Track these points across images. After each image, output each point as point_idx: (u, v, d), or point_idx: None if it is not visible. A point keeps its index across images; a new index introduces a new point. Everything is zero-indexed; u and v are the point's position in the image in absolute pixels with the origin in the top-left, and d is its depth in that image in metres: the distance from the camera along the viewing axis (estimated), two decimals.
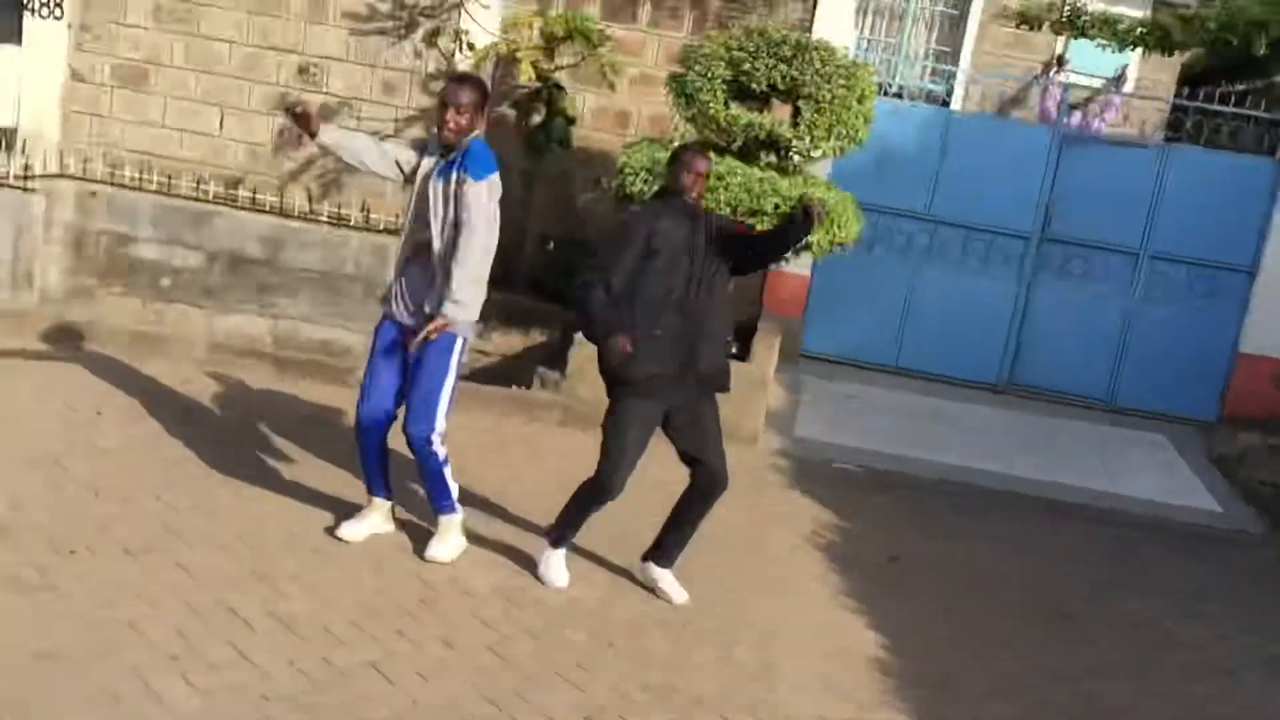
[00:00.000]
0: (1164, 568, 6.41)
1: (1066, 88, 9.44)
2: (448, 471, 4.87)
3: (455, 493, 4.94)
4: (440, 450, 4.81)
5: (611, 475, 4.69)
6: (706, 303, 4.70)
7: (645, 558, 5.01)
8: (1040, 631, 5.27)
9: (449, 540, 4.97)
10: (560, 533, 4.91)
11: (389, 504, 5.09)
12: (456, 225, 4.63)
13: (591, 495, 4.79)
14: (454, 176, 4.64)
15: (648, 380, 4.64)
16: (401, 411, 4.86)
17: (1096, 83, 10.12)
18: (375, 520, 5.05)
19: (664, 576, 4.96)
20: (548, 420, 7.26)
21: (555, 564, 4.92)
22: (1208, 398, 9.22)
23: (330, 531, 5.00)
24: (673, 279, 4.63)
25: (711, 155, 4.93)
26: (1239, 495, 7.77)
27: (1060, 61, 10.83)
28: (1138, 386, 9.28)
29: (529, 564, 5.05)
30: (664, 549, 4.96)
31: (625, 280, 4.62)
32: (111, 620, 4.05)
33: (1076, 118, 9.69)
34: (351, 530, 4.98)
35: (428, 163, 4.76)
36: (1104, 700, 4.68)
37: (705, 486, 4.86)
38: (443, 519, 4.97)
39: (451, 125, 4.64)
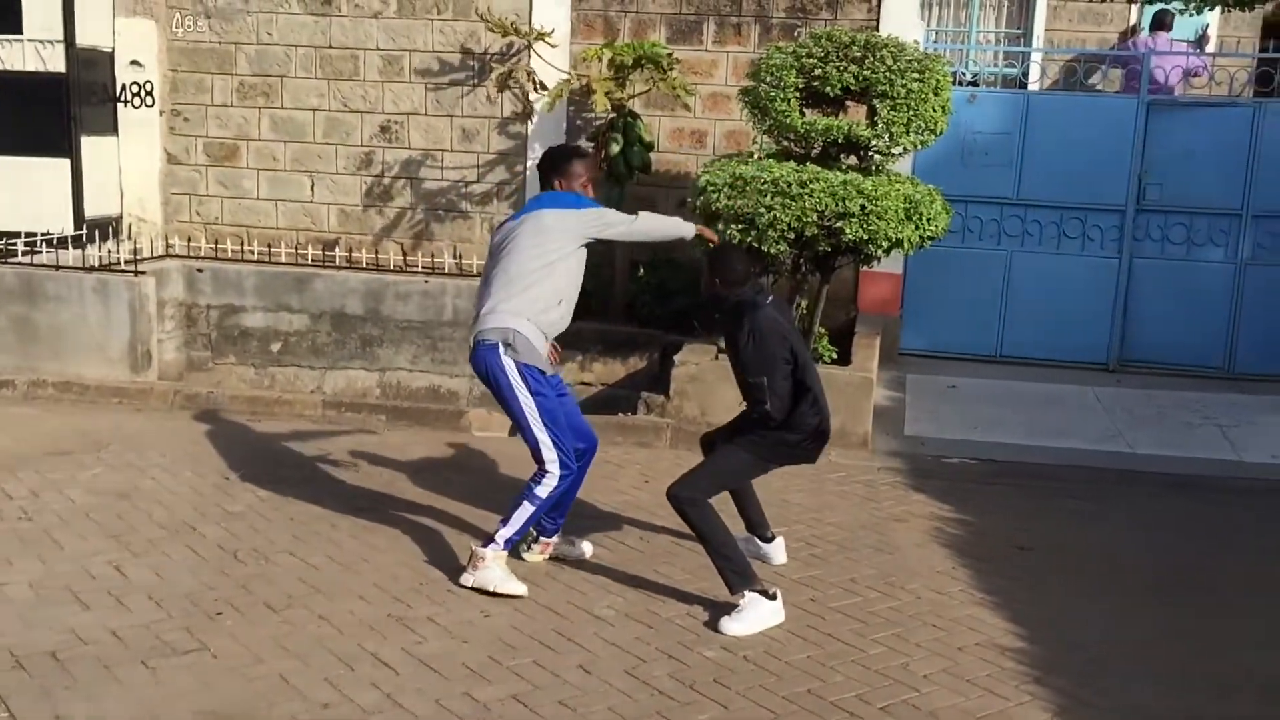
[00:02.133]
0: None
1: (1148, 54, 9.24)
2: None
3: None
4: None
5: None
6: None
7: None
8: (1183, 609, 5.14)
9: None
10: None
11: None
12: None
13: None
14: None
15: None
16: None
17: (1179, 48, 9.90)
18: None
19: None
20: (657, 444, 7.32)
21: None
22: None
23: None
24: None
25: (727, 259, 4.99)
26: None
27: (1134, 30, 10.63)
28: (1255, 351, 8.99)
29: (655, 588, 5.10)
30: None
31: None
32: (264, 675, 4.19)
33: (1166, 77, 9.47)
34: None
35: None
36: (1261, 672, 4.54)
37: None
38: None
39: None
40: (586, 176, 5.13)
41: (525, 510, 4.96)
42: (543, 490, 4.94)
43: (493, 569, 4.95)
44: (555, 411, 4.99)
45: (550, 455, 4.94)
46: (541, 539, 5.29)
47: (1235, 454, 7.39)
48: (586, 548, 5.41)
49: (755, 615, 4.72)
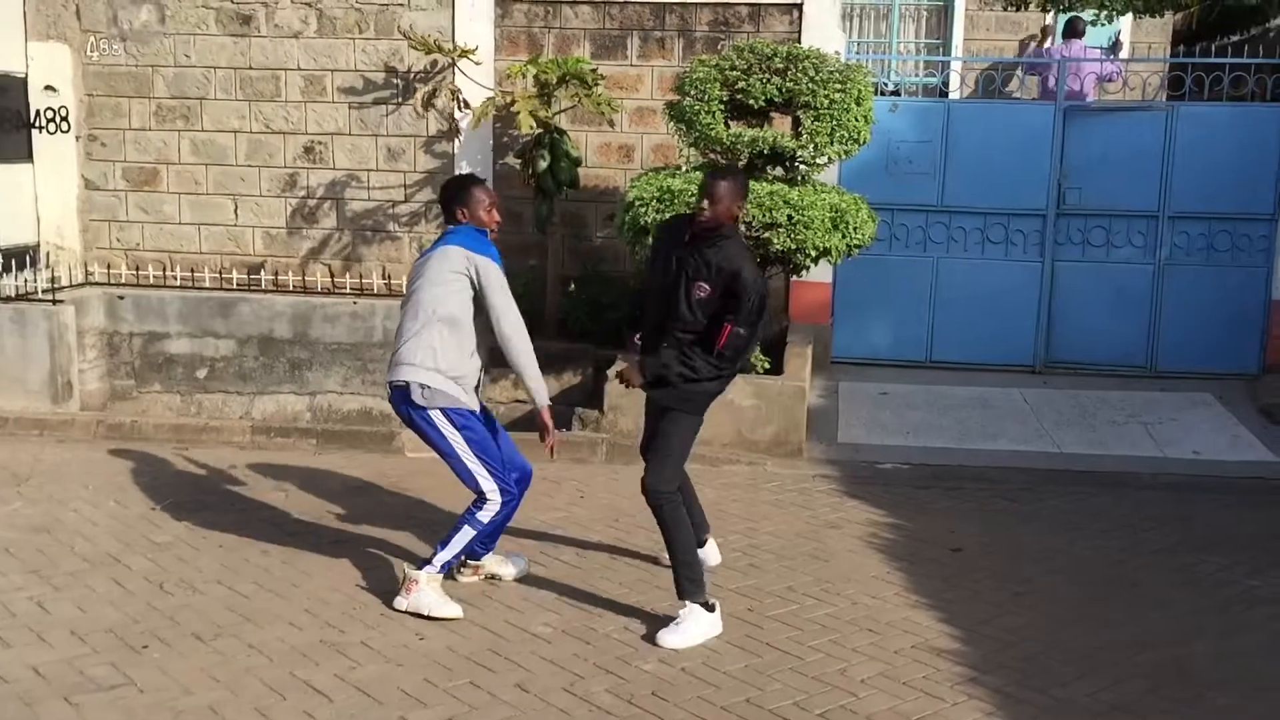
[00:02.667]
0: (1229, 525, 6.34)
1: (1063, 62, 9.44)
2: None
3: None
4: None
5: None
6: (678, 327, 4.87)
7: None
8: (1114, 605, 5.22)
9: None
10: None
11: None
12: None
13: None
14: None
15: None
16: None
17: (1093, 53, 10.12)
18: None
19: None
20: (593, 460, 7.29)
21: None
22: (1248, 350, 9.12)
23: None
24: (657, 303, 4.94)
25: (739, 177, 4.94)
26: None
27: (1046, 33, 10.84)
28: (1176, 348, 9.19)
29: (592, 602, 5.08)
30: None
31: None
32: (192, 708, 4.09)
33: (1081, 83, 9.68)
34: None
35: None
36: (1189, 664, 4.62)
37: None
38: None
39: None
40: (489, 201, 5.00)
41: (465, 535, 4.91)
42: (484, 515, 4.90)
43: (426, 592, 4.89)
44: (485, 441, 4.94)
45: (489, 485, 4.90)
46: (470, 562, 5.23)
47: (1159, 450, 7.54)
48: (521, 563, 5.37)
49: (694, 628, 4.71)
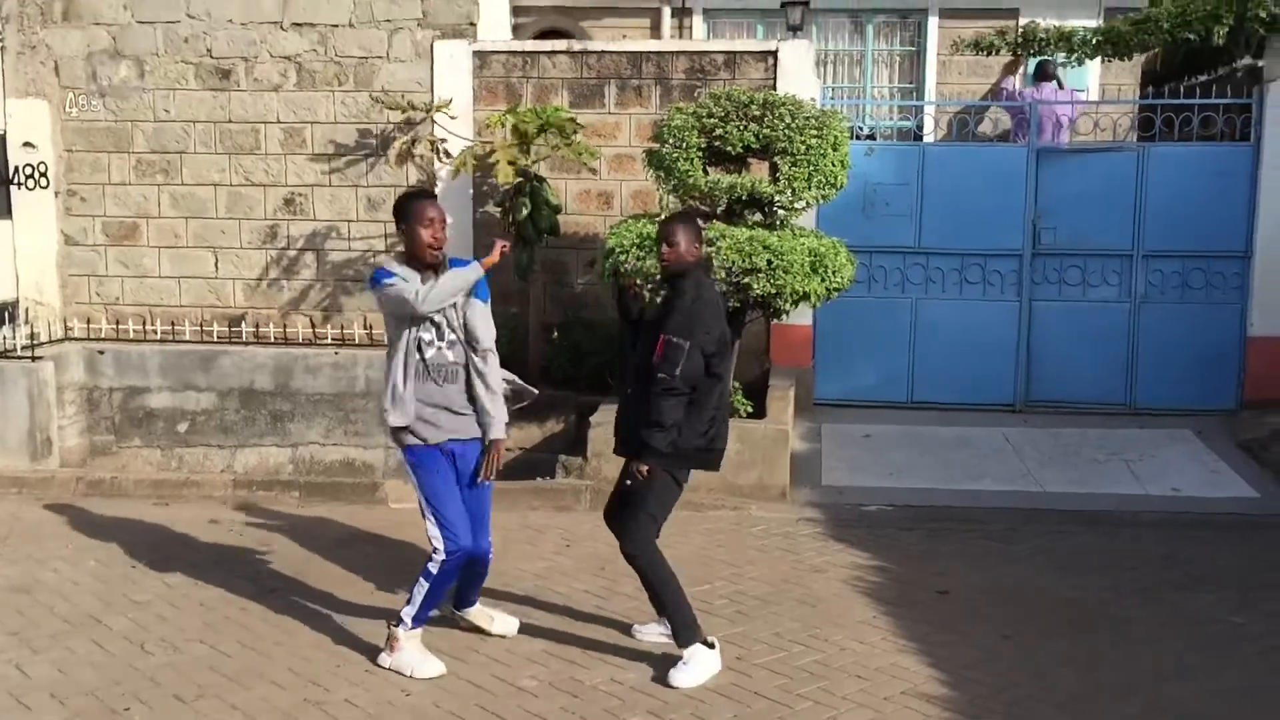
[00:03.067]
0: (1211, 562, 6.36)
1: (1034, 104, 9.57)
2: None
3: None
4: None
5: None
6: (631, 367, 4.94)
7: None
8: (1102, 644, 5.21)
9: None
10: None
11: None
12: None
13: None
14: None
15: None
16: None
17: (1064, 95, 10.26)
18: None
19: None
20: (576, 507, 7.27)
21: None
22: (1226, 386, 9.19)
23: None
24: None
25: (692, 220, 5.02)
26: (1272, 477, 7.72)
27: (1015, 65, 10.97)
28: (1155, 386, 9.26)
29: (579, 654, 5.04)
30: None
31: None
32: None
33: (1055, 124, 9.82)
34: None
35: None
36: (1178, 704, 4.62)
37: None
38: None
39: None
40: (428, 215, 4.73)
41: (421, 588, 4.84)
42: (434, 567, 4.80)
43: (407, 651, 4.84)
44: (434, 481, 4.81)
45: (433, 532, 4.81)
46: (456, 611, 5.19)
47: (1141, 487, 7.58)
48: (511, 625, 5.24)
49: (700, 666, 4.76)
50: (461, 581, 5.05)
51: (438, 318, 4.76)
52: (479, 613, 5.23)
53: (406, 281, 4.71)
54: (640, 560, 4.80)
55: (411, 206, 4.79)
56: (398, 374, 4.77)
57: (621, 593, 5.76)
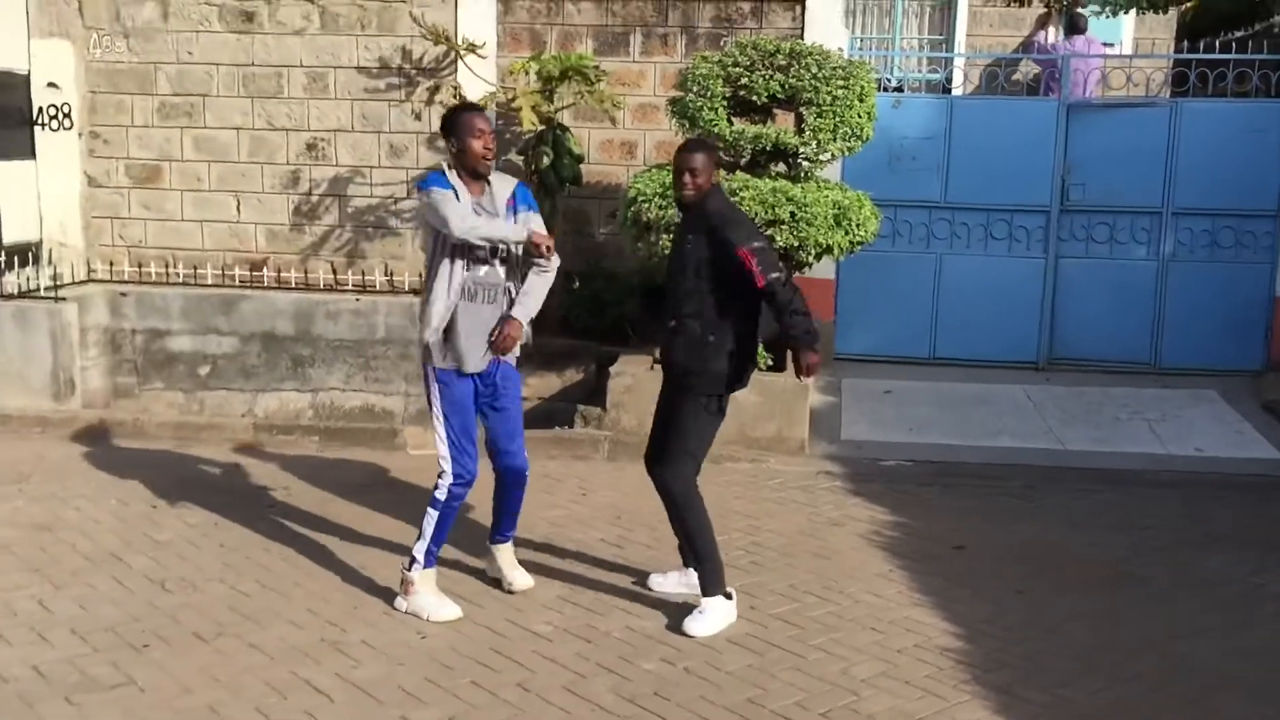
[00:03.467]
0: (1233, 522, 6.32)
1: (1066, 57, 9.41)
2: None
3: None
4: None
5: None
6: (686, 303, 4.78)
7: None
8: (1116, 602, 5.20)
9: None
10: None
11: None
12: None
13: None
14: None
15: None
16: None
17: (1096, 49, 10.08)
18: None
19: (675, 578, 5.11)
20: (595, 457, 7.29)
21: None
22: (1253, 346, 9.09)
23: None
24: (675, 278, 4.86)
25: (711, 148, 4.94)
26: None
27: (1046, 19, 10.78)
28: (1180, 345, 9.16)
29: (594, 601, 5.07)
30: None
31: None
32: (193, 707, 4.09)
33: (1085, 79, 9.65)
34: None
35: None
36: (1192, 662, 4.61)
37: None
38: (510, 545, 5.10)
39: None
40: (478, 126, 4.71)
41: (430, 519, 4.85)
42: (440, 494, 4.82)
43: (422, 594, 4.87)
44: (453, 405, 4.78)
45: (442, 453, 4.82)
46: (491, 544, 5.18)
47: (1163, 447, 7.52)
48: (528, 583, 5.15)
49: (716, 616, 4.78)
50: (498, 503, 5.03)
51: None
52: (507, 560, 5.14)
53: (458, 200, 4.68)
54: (679, 495, 4.79)
55: (461, 118, 4.78)
56: (436, 289, 4.73)
57: (637, 542, 5.78)
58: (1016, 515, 6.39)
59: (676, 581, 5.11)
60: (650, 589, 5.15)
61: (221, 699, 4.14)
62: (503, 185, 4.89)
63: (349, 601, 5.01)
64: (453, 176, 4.75)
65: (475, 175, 4.78)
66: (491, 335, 4.78)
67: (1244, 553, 5.83)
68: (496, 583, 5.18)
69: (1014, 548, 5.86)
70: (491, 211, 4.77)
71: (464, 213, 4.65)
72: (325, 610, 4.91)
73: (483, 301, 4.77)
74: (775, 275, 4.60)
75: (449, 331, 4.75)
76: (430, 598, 4.87)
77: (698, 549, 4.84)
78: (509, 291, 4.84)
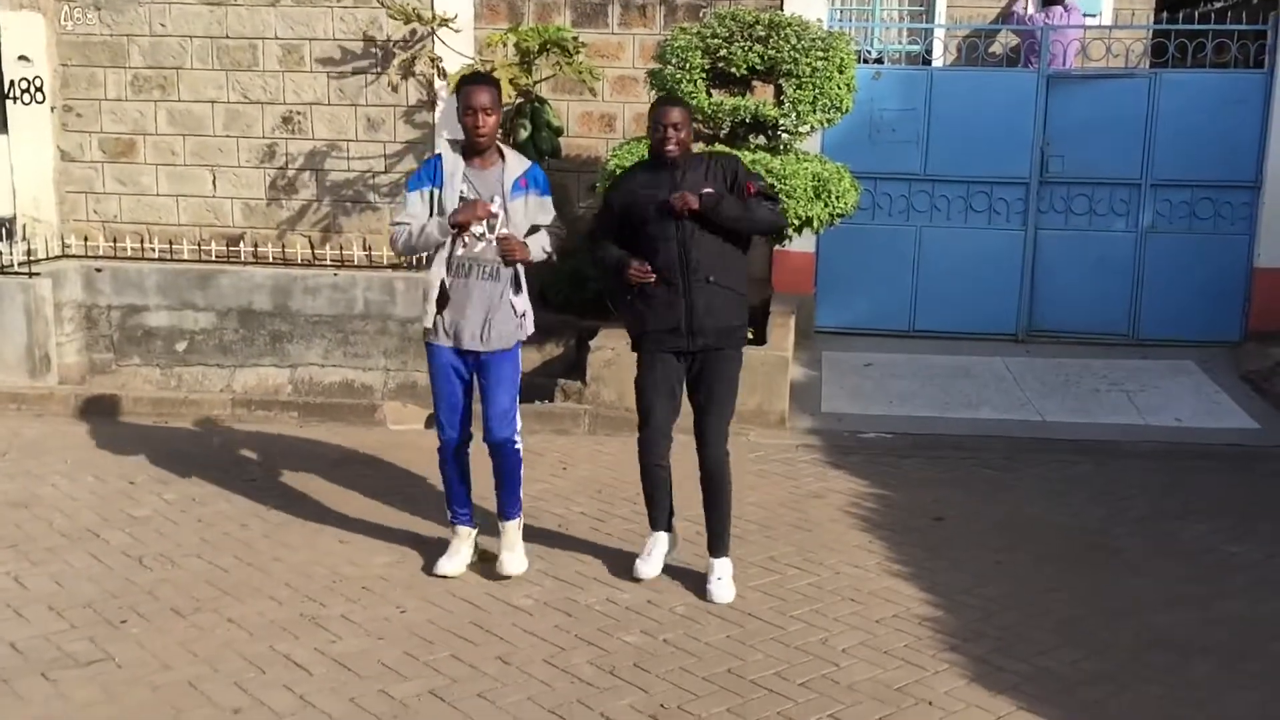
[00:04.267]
0: (1209, 492, 6.36)
1: (1046, 29, 9.39)
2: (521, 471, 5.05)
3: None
4: (521, 449, 5.04)
5: (640, 436, 4.90)
6: (698, 257, 4.72)
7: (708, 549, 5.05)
8: (1095, 572, 5.23)
9: (519, 548, 5.06)
10: (649, 513, 5.06)
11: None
12: None
13: (642, 468, 4.94)
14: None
15: (653, 336, 4.82)
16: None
17: (1074, 19, 10.06)
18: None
19: (715, 566, 4.94)
20: (575, 431, 7.27)
21: (650, 553, 5.03)
22: (1230, 317, 9.13)
23: (428, 571, 5.04)
24: (656, 236, 4.74)
25: (686, 104, 4.99)
26: (1274, 409, 7.70)
27: None
28: (1159, 316, 9.20)
29: (574, 574, 5.07)
30: (709, 537, 5.00)
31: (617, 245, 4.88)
32: (171, 683, 4.07)
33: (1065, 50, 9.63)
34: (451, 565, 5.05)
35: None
36: (1170, 631, 4.64)
37: (700, 452, 4.89)
38: (511, 524, 5.07)
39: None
40: (469, 103, 4.69)
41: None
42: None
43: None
44: (435, 374, 4.92)
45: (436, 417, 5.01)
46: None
47: (1141, 418, 7.56)
48: (520, 566, 5.05)
49: (731, 578, 4.89)
50: (495, 481, 5.04)
51: (494, 207, 4.76)
52: (504, 540, 5.05)
53: (413, 207, 4.82)
54: (728, 469, 4.88)
55: (459, 92, 4.79)
56: (433, 266, 4.82)
57: (617, 515, 5.78)
58: (995, 487, 6.41)
59: (661, 556, 5.08)
60: (642, 577, 4.98)
61: (200, 674, 4.12)
62: (516, 165, 4.90)
63: (328, 576, 5.00)
64: (451, 150, 4.82)
65: (474, 149, 4.81)
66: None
67: (1221, 522, 5.87)
68: (489, 559, 5.11)
69: (993, 519, 5.88)
70: (482, 189, 4.77)
71: (400, 231, 4.79)
72: (304, 585, 4.90)
73: (478, 277, 4.79)
74: (769, 208, 4.87)
75: (442, 306, 4.80)
76: (445, 555, 5.03)
77: (727, 509, 4.93)
78: (514, 269, 4.85)
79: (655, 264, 4.75)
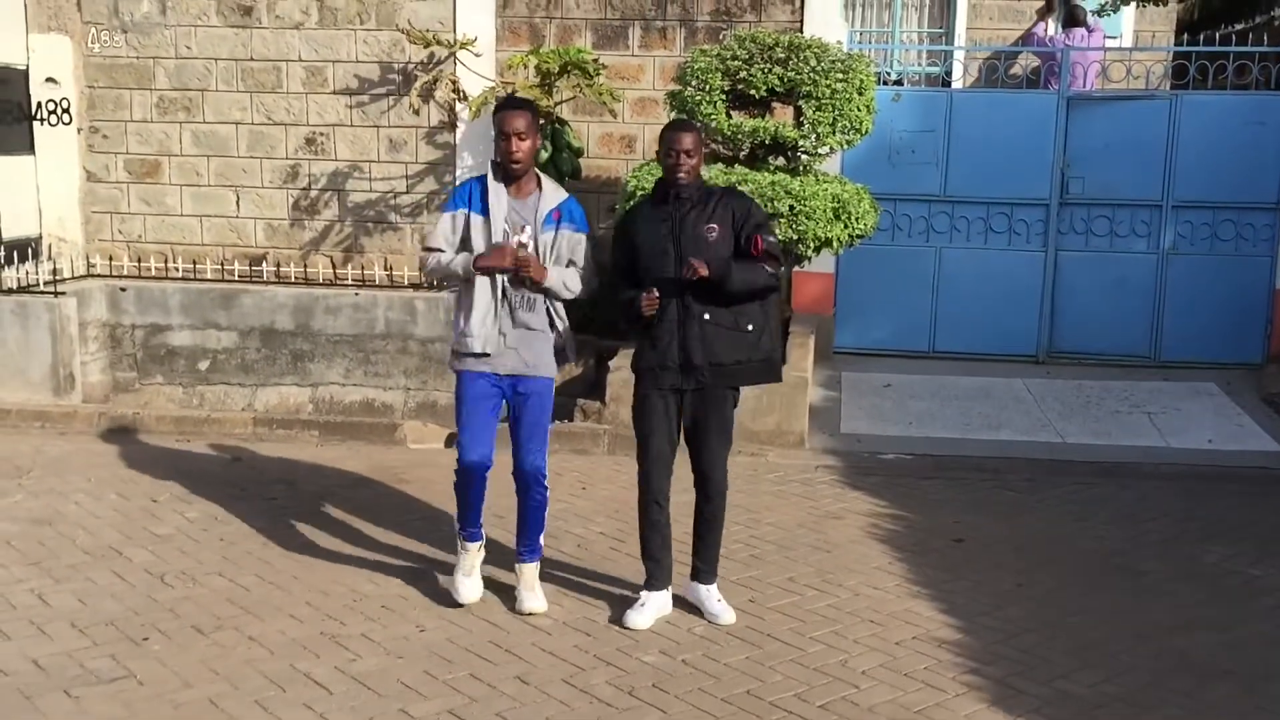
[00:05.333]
0: (1232, 514, 6.32)
1: (1066, 51, 9.40)
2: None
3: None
4: (548, 487, 4.92)
5: (640, 470, 4.78)
6: (695, 295, 4.61)
7: (691, 577, 4.95)
8: (1116, 595, 5.20)
9: (538, 588, 4.94)
10: (645, 567, 4.85)
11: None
12: None
13: (640, 506, 4.84)
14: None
15: (651, 372, 4.73)
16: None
17: (1095, 40, 10.07)
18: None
19: (704, 593, 4.87)
20: (594, 451, 7.29)
21: (644, 605, 4.78)
22: (1253, 339, 9.09)
23: (448, 600, 4.93)
24: (653, 269, 4.66)
25: (697, 131, 4.82)
26: None
27: (1046, 10, 10.74)
28: (1180, 338, 9.16)
29: (593, 594, 5.07)
30: (705, 565, 4.92)
31: (629, 280, 4.79)
32: (192, 700, 4.09)
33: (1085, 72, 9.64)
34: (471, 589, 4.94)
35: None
36: (1191, 654, 4.61)
37: (700, 491, 4.84)
38: (531, 566, 4.94)
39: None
40: (504, 128, 4.63)
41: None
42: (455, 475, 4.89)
43: (456, 570, 4.95)
44: (463, 404, 4.79)
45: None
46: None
47: (1163, 440, 7.52)
48: (538, 605, 4.89)
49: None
50: (518, 511, 4.91)
51: (524, 237, 4.69)
52: (522, 579, 4.92)
53: (443, 231, 4.76)
54: (725, 492, 4.84)
55: (495, 118, 4.72)
56: (467, 298, 4.73)
57: (635, 535, 5.75)
58: (1016, 508, 6.39)
59: (655, 615, 4.79)
60: (634, 627, 4.72)
61: (221, 692, 4.14)
62: (553, 196, 4.80)
63: (348, 595, 5.02)
64: (491, 176, 4.75)
65: (508, 176, 4.73)
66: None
67: (1242, 545, 5.83)
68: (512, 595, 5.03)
69: (1013, 541, 5.86)
70: (520, 219, 4.70)
71: (431, 259, 4.74)
72: (324, 604, 4.92)
73: (518, 307, 4.73)
74: (771, 275, 4.72)
75: (467, 319, 4.72)
76: (456, 574, 4.94)
77: (720, 538, 4.89)
78: (548, 305, 4.80)
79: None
